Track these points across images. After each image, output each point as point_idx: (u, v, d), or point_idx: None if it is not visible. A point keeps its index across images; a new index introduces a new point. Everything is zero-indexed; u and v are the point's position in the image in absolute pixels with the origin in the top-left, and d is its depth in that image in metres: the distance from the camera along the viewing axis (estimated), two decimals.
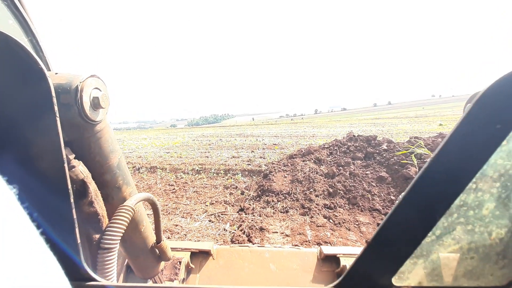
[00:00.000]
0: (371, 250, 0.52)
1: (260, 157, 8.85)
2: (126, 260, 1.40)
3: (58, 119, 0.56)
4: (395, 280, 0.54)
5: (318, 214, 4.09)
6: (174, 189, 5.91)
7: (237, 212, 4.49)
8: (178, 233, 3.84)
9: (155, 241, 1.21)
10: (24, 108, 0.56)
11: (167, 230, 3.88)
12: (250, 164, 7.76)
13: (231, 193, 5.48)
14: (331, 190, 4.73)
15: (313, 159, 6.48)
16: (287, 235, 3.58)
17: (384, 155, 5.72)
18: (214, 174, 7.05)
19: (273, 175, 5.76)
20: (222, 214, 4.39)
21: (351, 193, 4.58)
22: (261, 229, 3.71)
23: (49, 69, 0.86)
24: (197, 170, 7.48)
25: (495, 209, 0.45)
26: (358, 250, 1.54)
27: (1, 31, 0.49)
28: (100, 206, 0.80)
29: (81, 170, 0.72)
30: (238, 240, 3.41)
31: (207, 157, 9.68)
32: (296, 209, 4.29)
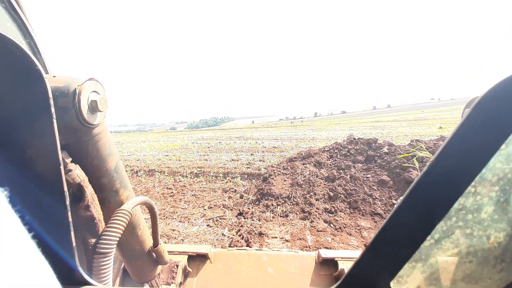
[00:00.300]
0: (369, 253, 0.52)
1: (260, 160, 8.78)
2: (123, 263, 1.37)
3: (55, 121, 0.56)
4: (393, 284, 0.54)
5: (319, 218, 4.00)
6: (172, 192, 5.82)
7: (236, 216, 4.40)
8: (175, 238, 3.75)
9: (152, 245, 1.20)
10: (21, 109, 0.55)
11: (164, 235, 3.79)
12: (249, 167, 7.68)
13: (230, 197, 5.40)
14: (331, 194, 4.65)
15: (313, 162, 6.41)
16: (287, 240, 3.49)
17: (385, 158, 5.65)
18: (213, 178, 6.96)
19: (273, 178, 5.68)
20: (220, 219, 4.30)
21: (352, 197, 4.51)
22: (260, 234, 3.62)
23: (47, 72, 0.87)
24: (196, 173, 7.40)
25: (494, 213, 0.45)
26: (356, 253, 1.53)
27: None
28: (96, 210, 0.79)
29: (78, 173, 0.71)
30: (236, 245, 3.32)
31: (206, 160, 9.61)
32: (296, 213, 4.21)
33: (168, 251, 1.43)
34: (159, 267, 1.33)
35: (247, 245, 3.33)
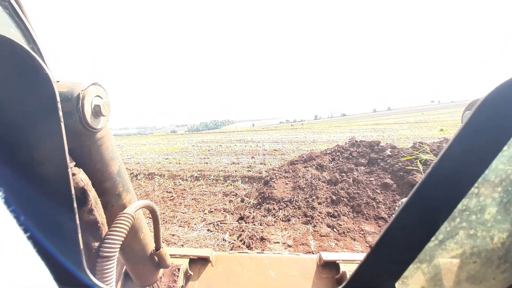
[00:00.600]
0: (374, 255, 0.52)
1: (261, 163, 8.70)
2: (124, 267, 1.38)
3: (62, 124, 0.56)
4: (398, 285, 0.54)
5: (322, 223, 3.92)
6: (172, 196, 5.74)
7: (237, 220, 4.31)
8: (175, 243, 3.66)
9: (154, 248, 1.20)
10: (29, 112, 0.56)
11: (163, 240, 3.70)
12: (250, 171, 7.61)
13: (230, 201, 5.31)
14: (334, 197, 4.56)
15: (315, 165, 6.33)
16: (289, 246, 3.41)
17: (388, 161, 5.57)
18: (214, 181, 6.88)
19: (274, 181, 5.60)
20: (221, 223, 4.21)
21: (355, 200, 4.42)
22: (262, 239, 3.54)
23: None
24: (196, 176, 7.32)
25: (497, 213, 0.45)
26: (357, 256, 1.52)
27: (7, 37, 0.49)
28: (99, 213, 0.79)
29: (81, 177, 0.72)
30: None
31: (207, 163, 9.54)
32: (298, 218, 4.13)
33: (170, 255, 1.43)
34: (161, 271, 1.34)
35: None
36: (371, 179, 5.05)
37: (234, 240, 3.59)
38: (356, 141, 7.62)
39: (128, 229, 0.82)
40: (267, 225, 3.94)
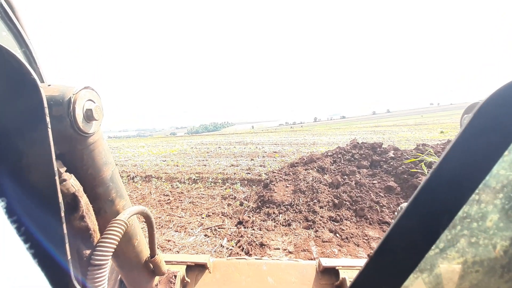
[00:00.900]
0: (373, 263, 0.50)
1: (260, 166, 8.53)
2: (119, 275, 1.34)
3: (49, 130, 0.56)
4: None
5: (324, 227, 3.76)
6: (169, 199, 5.58)
7: (236, 225, 4.14)
8: (170, 249, 3.50)
9: (149, 255, 1.18)
10: (16, 118, 0.55)
11: (158, 246, 3.53)
12: (249, 173, 7.44)
13: (229, 204, 5.15)
14: (336, 201, 4.41)
15: (316, 167, 6.18)
16: (290, 252, 3.25)
17: (392, 163, 5.42)
18: (212, 184, 6.72)
19: (274, 184, 5.45)
20: (219, 228, 4.05)
21: (358, 204, 4.27)
22: (262, 245, 3.38)
23: (42, 81, 0.85)
24: (194, 179, 7.15)
25: (499, 220, 0.44)
26: (357, 262, 1.50)
27: None
28: (91, 220, 0.77)
29: (73, 183, 0.70)
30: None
31: (205, 165, 9.37)
32: (300, 222, 3.97)
33: (166, 261, 1.41)
34: (157, 278, 1.32)
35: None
36: (374, 182, 4.90)
37: (233, 246, 3.43)
38: (358, 143, 7.48)
39: (121, 236, 0.80)
40: (267, 230, 3.78)
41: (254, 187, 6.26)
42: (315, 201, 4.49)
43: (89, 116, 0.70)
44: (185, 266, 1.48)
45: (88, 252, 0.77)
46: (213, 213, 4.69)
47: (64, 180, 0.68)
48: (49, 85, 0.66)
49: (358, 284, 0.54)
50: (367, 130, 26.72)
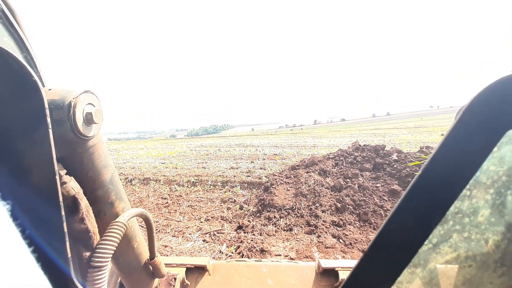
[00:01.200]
0: (367, 260, 0.51)
1: (260, 168, 8.40)
2: (119, 277, 1.34)
3: (50, 131, 0.57)
4: None
5: (326, 232, 3.63)
6: (167, 203, 5.44)
7: (235, 230, 4.01)
8: (167, 255, 3.36)
9: (148, 258, 1.18)
10: (17, 120, 0.56)
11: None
12: (249, 176, 7.31)
13: (228, 208, 5.01)
14: (339, 205, 4.28)
15: (318, 170, 6.05)
16: (292, 259, 3.11)
17: (395, 166, 5.30)
18: (211, 187, 6.59)
19: (275, 187, 5.31)
20: (218, 233, 3.91)
21: (361, 208, 4.14)
22: (262, 250, 3.25)
23: (43, 85, 0.86)
24: (193, 182, 7.02)
25: (490, 215, 0.45)
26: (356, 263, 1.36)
27: None
28: (91, 222, 0.78)
29: (73, 186, 0.71)
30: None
31: (204, 168, 9.24)
32: (301, 227, 3.84)
33: (166, 264, 1.42)
34: (156, 280, 1.32)
35: None
36: (377, 185, 4.77)
37: (232, 252, 3.30)
38: (360, 145, 7.36)
39: (120, 238, 0.81)
40: (268, 235, 3.65)
41: (254, 190, 6.13)
42: (317, 205, 4.36)
43: (89, 120, 0.70)
44: (185, 268, 1.48)
45: (88, 254, 0.78)
46: (212, 217, 4.56)
47: (64, 182, 0.69)
48: (49, 89, 0.68)
49: (352, 280, 0.55)
50: (368, 132, 26.63)
